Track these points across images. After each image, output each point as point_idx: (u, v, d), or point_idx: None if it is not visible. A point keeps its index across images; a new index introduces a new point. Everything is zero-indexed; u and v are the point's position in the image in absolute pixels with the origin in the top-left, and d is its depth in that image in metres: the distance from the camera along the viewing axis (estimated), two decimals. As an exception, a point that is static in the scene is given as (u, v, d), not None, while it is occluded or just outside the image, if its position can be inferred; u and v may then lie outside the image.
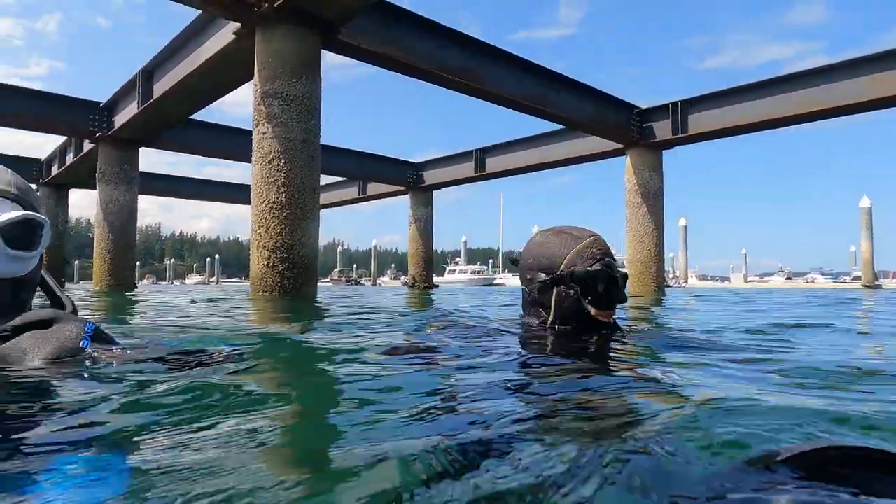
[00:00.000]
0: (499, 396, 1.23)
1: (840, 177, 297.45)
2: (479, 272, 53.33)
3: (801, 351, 2.21)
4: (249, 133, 7.90)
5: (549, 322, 2.00)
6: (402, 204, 21.23)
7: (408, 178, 20.07)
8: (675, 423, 0.98)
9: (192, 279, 73.14)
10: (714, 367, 1.65)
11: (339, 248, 76.31)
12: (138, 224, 14.64)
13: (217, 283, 59.52)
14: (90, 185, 15.25)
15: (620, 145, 14.02)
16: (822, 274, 59.84)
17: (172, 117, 12.62)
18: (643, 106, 13.76)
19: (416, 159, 20.36)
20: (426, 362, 1.67)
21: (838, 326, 3.65)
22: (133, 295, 9.67)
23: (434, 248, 21.59)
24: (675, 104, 13.16)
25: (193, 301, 6.77)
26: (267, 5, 7.39)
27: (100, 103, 13.57)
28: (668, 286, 21.86)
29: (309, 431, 1.05)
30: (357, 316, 4.03)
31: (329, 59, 9.02)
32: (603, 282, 1.92)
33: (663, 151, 14.11)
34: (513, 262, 2.30)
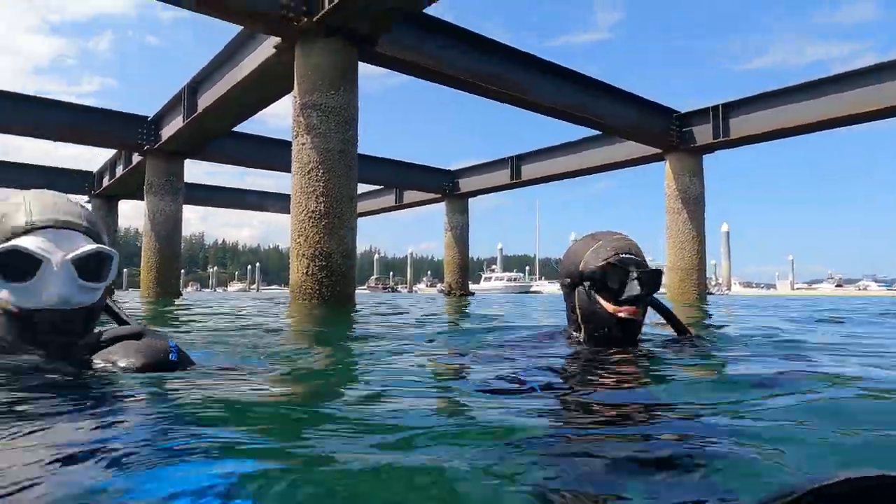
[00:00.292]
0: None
1: (885, 180, 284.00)
2: (515, 279, 53.00)
3: None
4: (289, 144, 8.09)
5: (580, 328, 2.00)
6: (438, 211, 21.34)
7: (443, 185, 20.16)
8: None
9: (234, 286, 74.99)
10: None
11: (376, 256, 77.02)
12: (183, 233, 15.12)
13: (258, 290, 60.83)
14: (138, 196, 15.83)
15: (659, 150, 13.78)
16: (876, 281, 57.33)
17: (216, 130, 13.02)
18: (682, 110, 13.50)
19: (452, 167, 20.44)
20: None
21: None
22: (181, 303, 9.97)
23: (470, 256, 21.59)
24: (716, 108, 12.86)
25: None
26: (306, 20, 7.58)
27: (147, 117, 14.11)
28: (711, 294, 21.29)
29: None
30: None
31: (363, 68, 9.25)
32: (614, 275, 1.90)
33: (704, 156, 13.80)
34: None
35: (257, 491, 0.73)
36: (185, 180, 14.95)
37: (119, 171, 17.52)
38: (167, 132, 13.50)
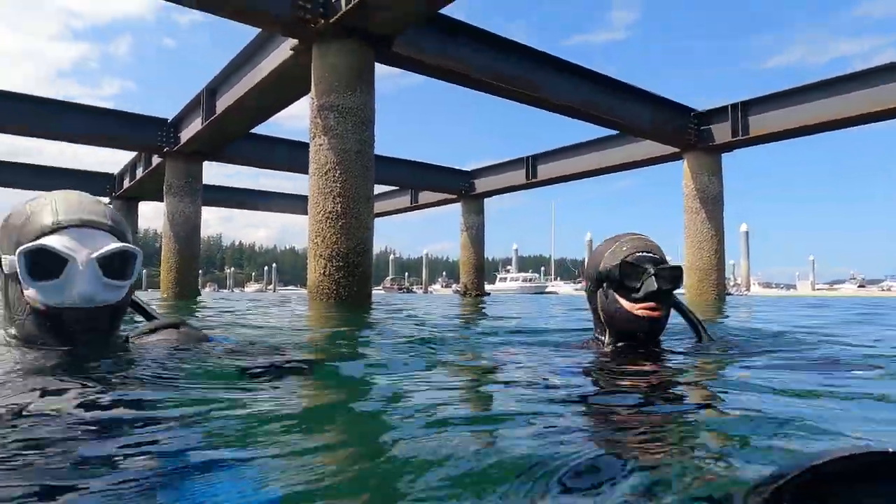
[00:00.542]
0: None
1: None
2: (530, 280, 52.78)
3: None
4: (306, 145, 8.14)
5: (605, 330, 2.00)
6: (454, 212, 21.35)
7: (459, 186, 20.16)
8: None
9: (251, 287, 75.59)
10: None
11: (392, 257, 77.15)
12: (201, 234, 15.29)
13: (274, 290, 61.30)
14: (158, 198, 16.05)
15: (677, 149, 13.65)
16: (899, 281, 56.14)
17: (234, 132, 13.16)
18: (700, 108, 13.36)
19: (468, 168, 20.43)
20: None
21: None
22: (200, 303, 10.09)
23: (485, 256, 21.55)
24: (734, 105, 12.71)
25: None
26: (323, 22, 7.64)
27: (167, 120, 14.31)
28: (730, 294, 21.02)
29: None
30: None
31: (378, 69, 9.28)
32: (631, 273, 1.89)
33: (723, 155, 13.65)
34: None
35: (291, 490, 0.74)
36: (204, 182, 15.12)
37: (139, 173, 17.78)
38: (186, 134, 13.68)
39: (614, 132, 14.21)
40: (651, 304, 1.89)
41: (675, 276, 1.92)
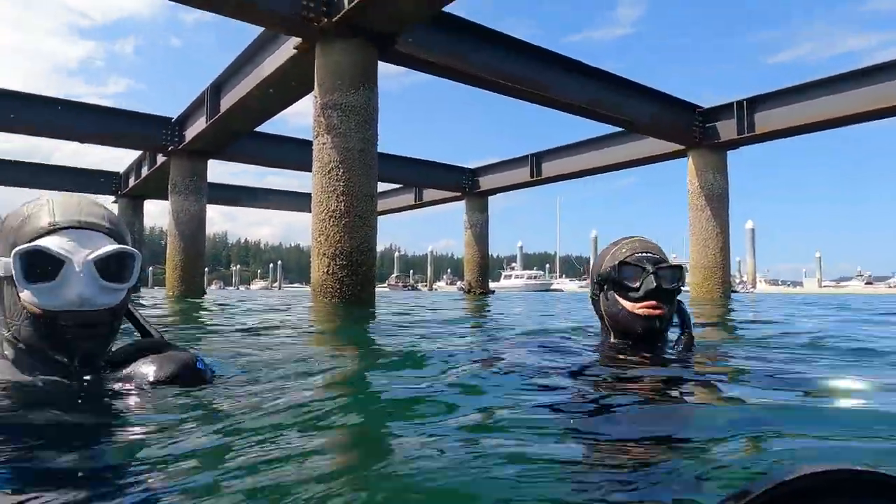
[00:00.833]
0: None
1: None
2: (535, 277, 52.76)
3: None
4: (309, 143, 8.15)
5: (610, 333, 2.01)
6: (459, 209, 21.33)
7: (463, 183, 20.14)
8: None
9: (257, 284, 75.90)
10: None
11: (396, 254, 77.23)
12: (207, 232, 15.34)
13: (279, 288, 61.53)
14: (163, 196, 16.10)
15: (682, 147, 13.59)
16: (907, 278, 55.76)
17: (238, 130, 13.17)
18: (706, 105, 13.30)
19: (472, 165, 20.41)
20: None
21: None
22: (202, 302, 10.12)
23: (490, 254, 21.55)
24: (740, 103, 12.64)
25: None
26: (326, 20, 7.63)
27: (171, 118, 14.34)
28: (735, 292, 20.95)
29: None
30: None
31: (381, 67, 9.30)
32: (630, 272, 1.90)
33: (728, 152, 13.58)
34: None
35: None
36: (209, 180, 15.16)
37: (144, 171, 17.84)
38: (191, 133, 13.71)
39: (619, 129, 14.16)
40: (651, 302, 1.89)
41: (675, 275, 1.92)
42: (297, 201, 24.11)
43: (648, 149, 14.30)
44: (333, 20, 7.59)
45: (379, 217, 8.46)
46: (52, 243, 1.28)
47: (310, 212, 8.03)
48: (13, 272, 1.26)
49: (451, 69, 9.61)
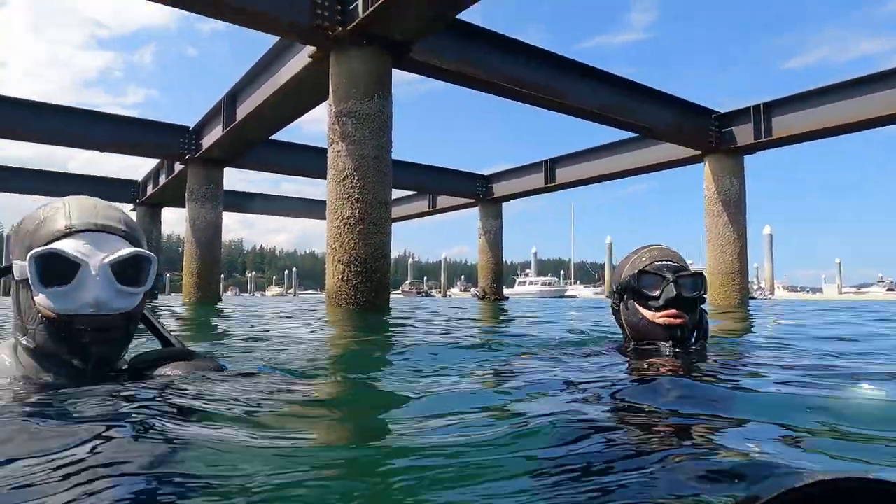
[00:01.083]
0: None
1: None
2: (549, 283, 52.53)
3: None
4: (324, 151, 8.21)
5: (630, 343, 1.98)
6: (473, 216, 21.33)
7: (477, 190, 20.15)
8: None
9: (272, 291, 76.36)
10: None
11: (410, 261, 77.35)
12: (223, 239, 15.49)
13: (294, 294, 61.85)
14: (181, 204, 16.31)
15: (698, 152, 13.48)
16: (930, 285, 54.68)
17: (254, 138, 13.32)
18: (722, 110, 13.19)
19: (486, 172, 20.43)
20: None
21: None
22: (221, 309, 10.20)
23: (504, 260, 21.50)
24: (756, 107, 12.52)
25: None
26: (341, 29, 7.70)
27: (188, 127, 14.54)
28: (753, 298, 20.67)
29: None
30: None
31: (396, 75, 9.40)
32: (650, 281, 1.87)
33: (745, 157, 13.45)
34: None
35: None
36: (225, 188, 15.32)
37: (162, 179, 18.09)
38: (207, 141, 13.88)
39: (634, 135, 14.09)
40: (672, 311, 1.86)
41: (696, 283, 1.89)
42: (313, 208, 24.28)
43: (664, 154, 14.21)
44: (348, 28, 7.65)
45: (393, 224, 8.49)
46: (69, 246, 1.26)
47: (325, 219, 8.07)
48: (28, 275, 1.25)
49: (466, 76, 9.64)
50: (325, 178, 8.07)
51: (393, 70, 8.30)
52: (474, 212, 21.14)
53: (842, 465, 0.94)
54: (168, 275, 56.87)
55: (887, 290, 53.66)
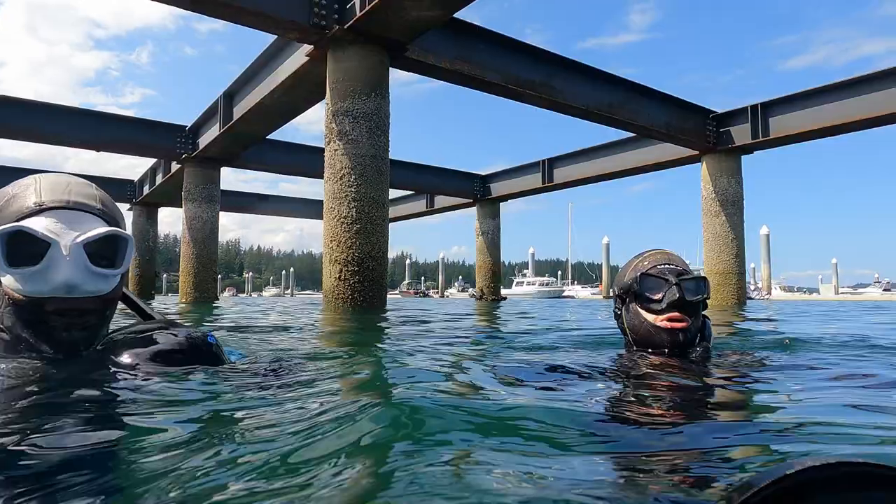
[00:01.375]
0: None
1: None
2: (547, 284, 52.59)
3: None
4: (321, 150, 8.17)
5: (633, 348, 1.96)
6: (470, 216, 21.35)
7: (475, 190, 20.14)
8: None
9: (269, 291, 76.28)
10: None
11: (408, 261, 77.42)
12: (220, 239, 15.45)
13: (292, 295, 61.82)
14: (178, 204, 16.26)
15: (695, 152, 13.49)
16: (926, 285, 54.77)
17: (251, 137, 13.28)
18: (720, 110, 13.20)
19: (484, 172, 20.40)
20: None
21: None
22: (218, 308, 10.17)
23: (501, 260, 21.50)
24: (754, 107, 12.53)
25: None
26: (338, 27, 7.67)
27: (185, 126, 14.49)
28: (751, 298, 20.72)
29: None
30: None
31: (394, 74, 9.41)
32: (652, 284, 1.85)
33: (742, 157, 13.45)
34: None
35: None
36: (221, 187, 15.28)
37: (159, 179, 18.03)
38: (204, 140, 13.84)
39: (631, 135, 14.09)
40: (674, 314, 1.84)
41: (699, 286, 1.88)
42: (310, 208, 24.24)
43: (661, 154, 14.21)
44: (345, 27, 7.62)
45: (391, 224, 8.46)
46: (38, 224, 1.17)
47: (322, 218, 8.04)
48: None
49: (463, 75, 9.62)
50: (322, 178, 8.04)
51: (391, 70, 8.28)
52: (472, 212, 21.13)
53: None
54: (165, 275, 56.86)
55: (883, 290, 53.79)
